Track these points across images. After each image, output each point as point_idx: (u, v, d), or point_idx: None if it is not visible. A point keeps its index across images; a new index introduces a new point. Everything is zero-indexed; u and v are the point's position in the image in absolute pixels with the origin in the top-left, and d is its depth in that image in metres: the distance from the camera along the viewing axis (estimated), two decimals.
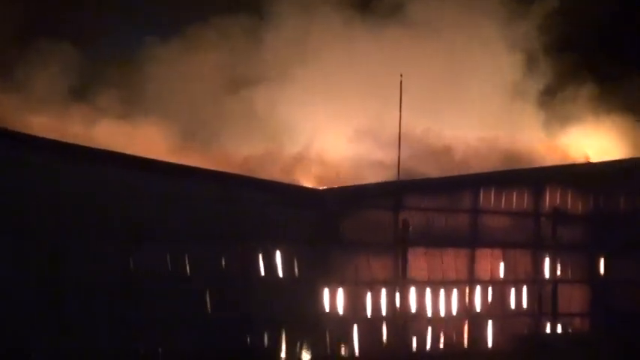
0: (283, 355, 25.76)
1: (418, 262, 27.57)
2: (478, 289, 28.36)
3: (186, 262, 24.80)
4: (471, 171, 29.44)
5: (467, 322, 28.06)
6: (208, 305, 25.03)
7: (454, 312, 27.92)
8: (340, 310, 26.47)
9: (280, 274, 25.81)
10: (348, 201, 26.50)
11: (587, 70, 34.61)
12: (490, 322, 28.42)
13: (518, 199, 29.01)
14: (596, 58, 35.63)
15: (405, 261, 26.92)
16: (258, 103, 30.62)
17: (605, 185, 30.26)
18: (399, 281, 27.11)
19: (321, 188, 26.72)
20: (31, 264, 22.89)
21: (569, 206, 29.82)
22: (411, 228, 27.23)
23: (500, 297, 28.75)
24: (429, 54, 31.30)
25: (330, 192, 26.67)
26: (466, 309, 28.04)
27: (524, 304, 29.08)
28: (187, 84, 30.95)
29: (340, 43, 31.22)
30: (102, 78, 30.77)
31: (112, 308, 23.88)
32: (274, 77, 30.97)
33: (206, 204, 24.94)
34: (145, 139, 28.06)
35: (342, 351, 26.39)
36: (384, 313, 27.08)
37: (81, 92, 30.18)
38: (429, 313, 27.66)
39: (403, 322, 27.12)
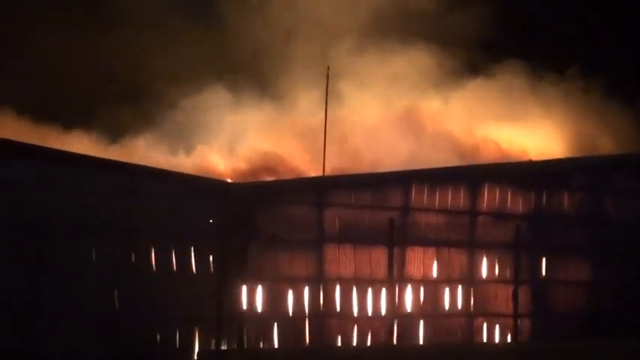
0: (196, 355, 24.86)
1: (345, 259, 26.75)
2: (409, 288, 27.42)
3: (93, 257, 23.98)
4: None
5: (396, 321, 27.12)
6: (116, 302, 24.20)
7: (382, 311, 26.95)
8: (259, 308, 25.58)
9: (194, 269, 24.96)
10: (264, 196, 25.72)
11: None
12: (422, 322, 27.48)
13: (453, 197, 28.17)
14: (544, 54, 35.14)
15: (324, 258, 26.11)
16: None
17: (546, 184, 29.42)
18: (322, 278, 26.30)
19: (235, 182, 26.03)
20: None
21: (508, 205, 28.94)
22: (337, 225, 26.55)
23: (433, 297, 27.82)
24: None
25: (245, 186, 25.94)
26: (395, 308, 27.10)
27: (459, 305, 28.11)
28: None
29: None
30: None
31: (12, 306, 23.01)
32: None
33: (112, 196, 24.17)
34: None
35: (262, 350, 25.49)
36: (306, 311, 26.20)
37: None
38: (355, 312, 26.73)
39: (327, 320, 26.23)
